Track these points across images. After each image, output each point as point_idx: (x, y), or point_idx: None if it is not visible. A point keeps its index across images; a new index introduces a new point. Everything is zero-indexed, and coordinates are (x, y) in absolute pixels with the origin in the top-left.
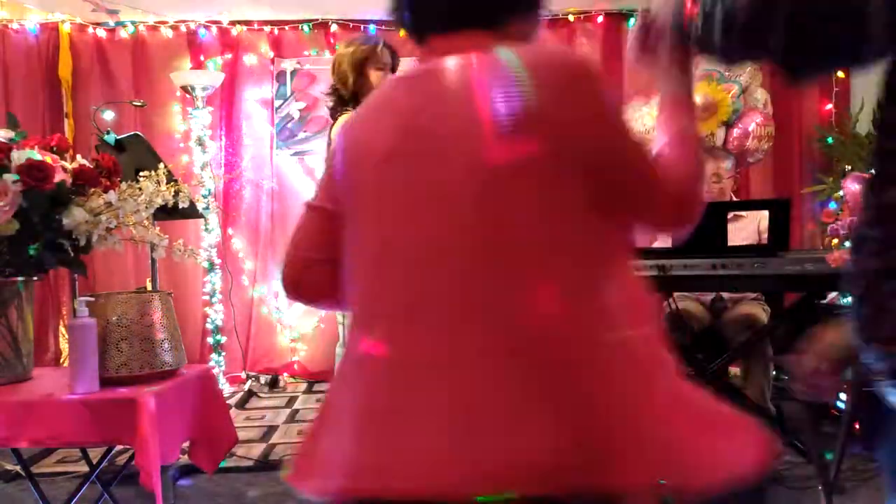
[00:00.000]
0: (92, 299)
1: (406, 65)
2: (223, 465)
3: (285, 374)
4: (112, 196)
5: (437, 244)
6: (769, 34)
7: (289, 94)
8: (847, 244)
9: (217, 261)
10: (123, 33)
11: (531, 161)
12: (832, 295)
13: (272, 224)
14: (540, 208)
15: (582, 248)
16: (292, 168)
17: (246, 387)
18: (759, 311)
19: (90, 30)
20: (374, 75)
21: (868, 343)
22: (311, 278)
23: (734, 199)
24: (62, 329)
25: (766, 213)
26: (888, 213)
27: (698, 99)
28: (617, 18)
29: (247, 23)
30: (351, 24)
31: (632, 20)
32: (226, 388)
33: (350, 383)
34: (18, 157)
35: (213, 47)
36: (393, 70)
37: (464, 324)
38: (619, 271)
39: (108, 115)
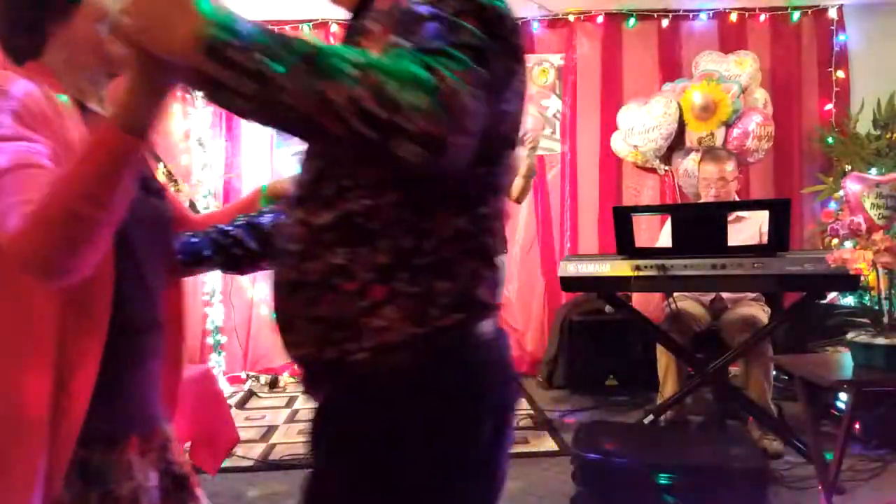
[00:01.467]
0: None
1: None
2: (223, 464)
3: (285, 374)
4: None
5: None
6: None
7: None
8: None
9: None
10: None
11: None
12: (832, 295)
13: None
14: None
15: None
16: (292, 168)
17: (246, 387)
18: (759, 312)
19: None
20: None
21: (290, 351)
22: None
23: (736, 198)
24: None
25: (766, 213)
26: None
27: (698, 99)
28: (617, 18)
29: None
30: None
31: (631, 20)
32: (226, 388)
33: None
34: None
35: None
36: None
37: None
38: None
39: None
